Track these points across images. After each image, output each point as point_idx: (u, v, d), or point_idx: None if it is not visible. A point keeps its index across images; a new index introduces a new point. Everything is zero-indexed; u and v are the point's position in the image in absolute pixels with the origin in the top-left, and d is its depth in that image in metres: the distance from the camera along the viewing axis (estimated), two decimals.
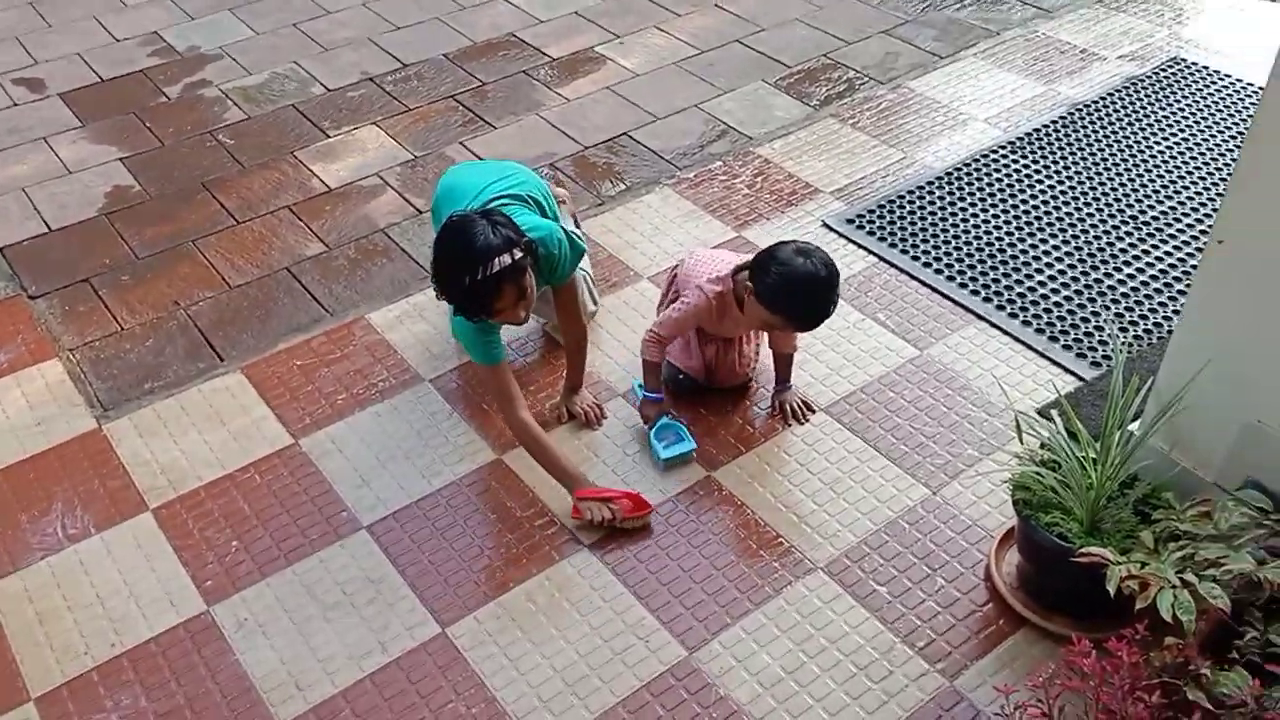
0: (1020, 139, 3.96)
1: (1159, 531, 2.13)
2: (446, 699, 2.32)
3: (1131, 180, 3.76)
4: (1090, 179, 3.77)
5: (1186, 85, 4.25)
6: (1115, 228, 3.55)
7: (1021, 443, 2.36)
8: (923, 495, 2.71)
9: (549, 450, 2.68)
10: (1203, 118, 4.06)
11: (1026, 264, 3.41)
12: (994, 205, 3.66)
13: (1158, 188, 3.72)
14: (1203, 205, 3.64)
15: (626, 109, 4.26)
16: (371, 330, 3.26)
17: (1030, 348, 3.11)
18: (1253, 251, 2.07)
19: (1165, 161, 3.84)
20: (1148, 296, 3.29)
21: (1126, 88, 4.24)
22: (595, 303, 3.18)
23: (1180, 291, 3.29)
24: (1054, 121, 4.05)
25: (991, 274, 3.37)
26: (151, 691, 2.35)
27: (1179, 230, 3.54)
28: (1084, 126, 4.02)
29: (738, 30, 4.76)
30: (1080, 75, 4.33)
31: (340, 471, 2.83)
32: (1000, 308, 3.25)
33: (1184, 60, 4.40)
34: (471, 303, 2.46)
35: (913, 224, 3.57)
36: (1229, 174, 3.67)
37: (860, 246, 3.49)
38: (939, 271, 3.38)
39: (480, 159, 3.94)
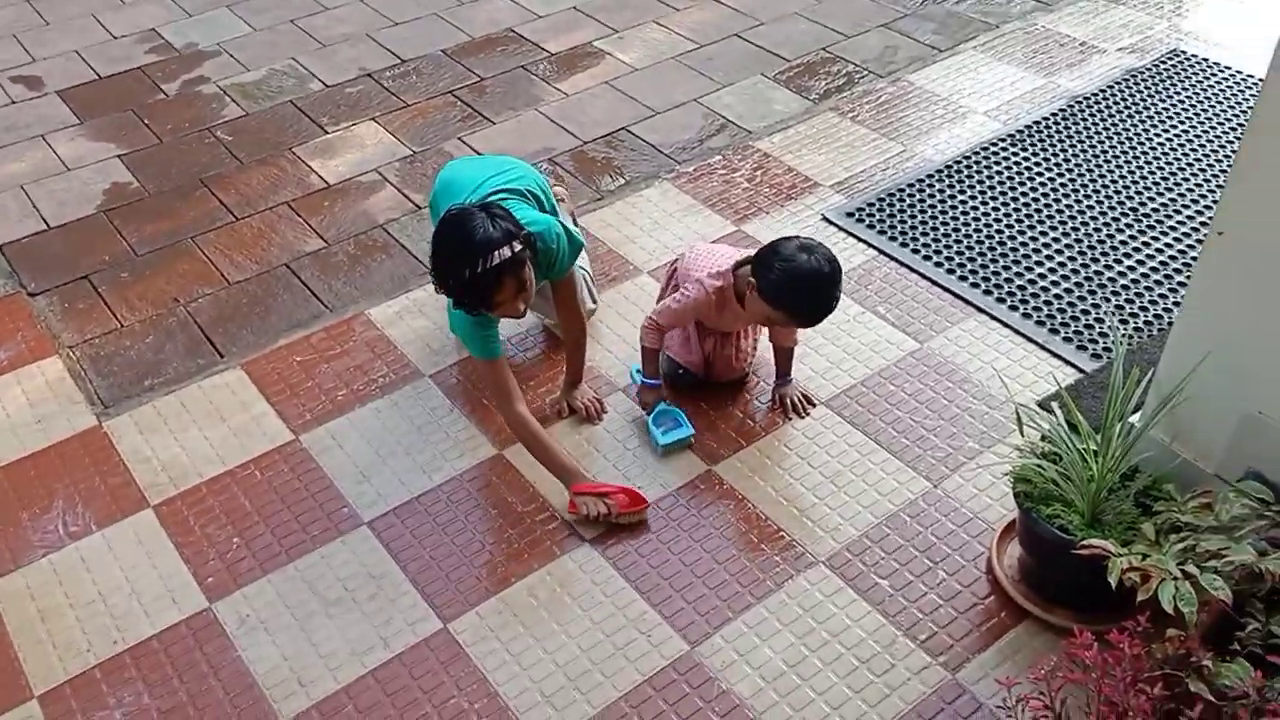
0: (1020, 132, 3.96)
1: (1160, 523, 2.13)
2: (449, 694, 2.32)
3: (1131, 173, 3.76)
4: (1090, 171, 3.77)
5: (1186, 77, 4.24)
6: (1115, 220, 3.55)
7: (1022, 435, 2.36)
8: (924, 488, 2.71)
9: (546, 445, 2.68)
10: (1202, 110, 4.06)
11: (1026, 256, 3.41)
12: (994, 198, 3.65)
13: (1157, 180, 3.72)
14: (1203, 197, 3.63)
15: (625, 103, 4.25)
16: (371, 326, 3.26)
17: (1030, 340, 3.11)
18: (1253, 243, 2.06)
19: (1165, 154, 3.84)
20: (1148, 288, 3.29)
21: (1126, 80, 4.23)
22: (594, 301, 3.17)
23: (1180, 283, 3.29)
24: (1054, 114, 4.04)
25: (991, 266, 3.37)
26: (154, 688, 2.35)
27: (1179, 222, 3.54)
28: (1084, 119, 4.02)
29: (736, 24, 4.75)
30: (1080, 68, 4.33)
31: (341, 467, 2.83)
32: (1000, 300, 3.25)
33: (1184, 52, 4.40)
34: (471, 296, 2.46)
35: (912, 217, 3.57)
36: (1229, 166, 3.67)
37: (860, 240, 3.49)
38: (939, 264, 3.38)
39: (479, 154, 3.94)
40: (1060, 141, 3.91)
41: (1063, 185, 3.70)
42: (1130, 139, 3.91)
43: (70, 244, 3.63)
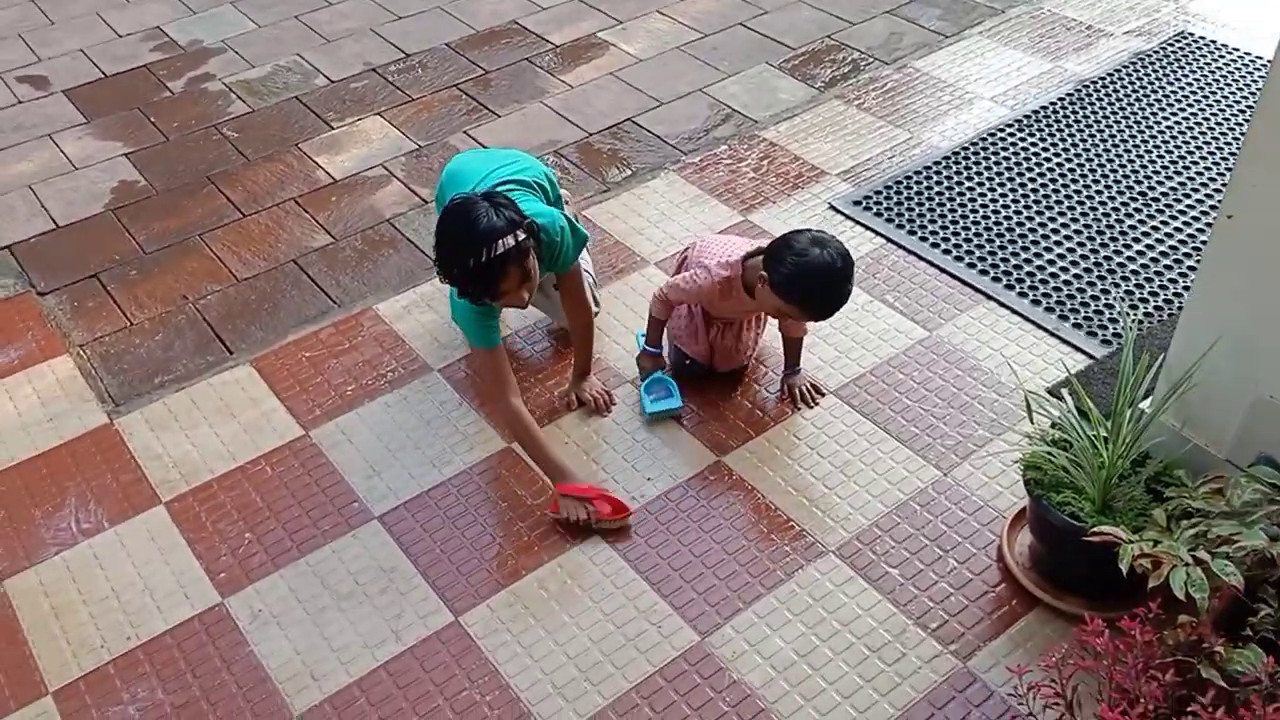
0: (1027, 117, 3.94)
1: (1171, 509, 2.12)
2: (460, 687, 2.33)
3: (1140, 156, 3.74)
4: (1098, 156, 3.75)
5: (1194, 60, 4.22)
6: (1124, 204, 3.54)
7: (1032, 422, 2.35)
8: (934, 477, 2.70)
9: (538, 440, 2.66)
10: (1210, 92, 4.03)
11: (1035, 242, 3.40)
12: (1002, 184, 3.64)
13: (1166, 164, 3.70)
14: (1212, 180, 3.61)
15: (630, 94, 4.24)
16: (379, 321, 3.26)
17: (1040, 326, 3.10)
18: (1262, 226, 2.05)
19: (1173, 137, 3.82)
20: (1157, 273, 3.27)
21: (1134, 63, 4.21)
22: (597, 304, 3.16)
23: (1190, 268, 3.27)
24: (1061, 99, 4.02)
25: (1000, 253, 3.36)
26: (167, 683, 2.36)
27: (1188, 206, 3.52)
28: (1091, 103, 4.00)
29: (741, 13, 4.74)
30: (1087, 51, 4.31)
31: (351, 462, 2.83)
32: (1009, 287, 3.24)
33: (1191, 35, 4.37)
34: (476, 285, 2.46)
35: (920, 205, 3.56)
36: (1238, 148, 3.65)
37: (867, 228, 3.48)
38: (947, 252, 3.37)
39: (485, 147, 3.94)
40: (1068, 126, 3.89)
41: (1071, 170, 3.69)
42: (1138, 123, 3.89)
43: (79, 243, 3.64)
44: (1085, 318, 3.12)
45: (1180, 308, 3.02)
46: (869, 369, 3.00)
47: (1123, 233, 3.42)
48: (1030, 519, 2.45)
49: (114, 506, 2.75)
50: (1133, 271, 3.28)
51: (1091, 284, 3.24)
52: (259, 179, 3.91)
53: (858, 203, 3.58)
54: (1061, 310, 3.15)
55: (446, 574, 2.55)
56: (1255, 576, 1.94)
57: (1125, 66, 4.19)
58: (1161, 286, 3.22)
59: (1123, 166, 3.69)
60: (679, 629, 2.41)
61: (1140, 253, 3.35)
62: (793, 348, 2.94)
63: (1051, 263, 3.32)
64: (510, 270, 2.43)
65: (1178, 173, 3.65)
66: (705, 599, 2.47)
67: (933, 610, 2.42)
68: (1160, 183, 3.62)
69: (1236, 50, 4.25)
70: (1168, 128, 3.86)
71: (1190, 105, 3.97)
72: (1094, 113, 3.95)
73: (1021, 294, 3.21)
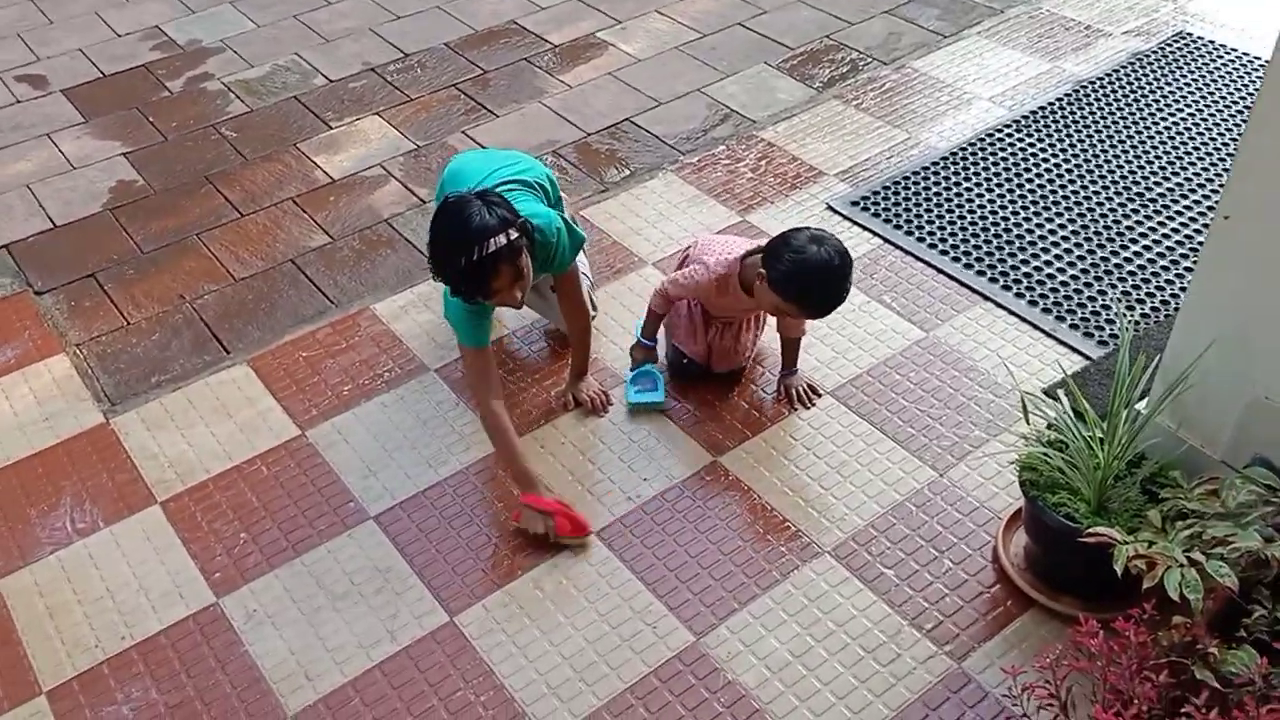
0: (1025, 117, 3.94)
1: (1166, 510, 2.12)
2: (455, 687, 2.33)
3: (1138, 157, 3.73)
4: (1096, 157, 3.75)
5: (1192, 60, 4.21)
6: (1121, 205, 3.53)
7: (1028, 423, 2.35)
8: (929, 478, 2.70)
9: (512, 446, 2.64)
10: (1209, 93, 4.03)
11: (1032, 243, 3.40)
12: (999, 185, 3.64)
13: (1164, 164, 3.70)
14: (1209, 181, 3.61)
15: (629, 94, 4.24)
16: (377, 321, 3.26)
17: (1036, 327, 3.10)
18: (1259, 227, 2.05)
19: (1171, 138, 3.82)
20: (1154, 274, 3.27)
21: (1132, 64, 4.21)
22: (594, 308, 3.16)
23: (1187, 268, 3.27)
24: (1059, 99, 4.02)
25: (997, 254, 3.36)
26: (162, 683, 2.36)
27: (1186, 207, 3.52)
28: (1089, 103, 3.99)
29: (739, 13, 4.73)
30: (1085, 52, 4.30)
31: (347, 462, 2.83)
32: (1006, 288, 3.23)
33: (1189, 35, 4.37)
34: (468, 283, 2.45)
35: (918, 205, 3.56)
36: (1235, 149, 3.65)
37: (865, 229, 3.48)
38: (944, 252, 3.37)
39: (484, 147, 3.94)
40: (1066, 127, 3.88)
41: (1069, 171, 3.69)
42: (1136, 123, 3.89)
43: (76, 242, 3.64)
44: (1082, 319, 3.12)
45: (1177, 309, 3.01)
46: (865, 370, 3.00)
47: (1120, 234, 3.42)
48: (1026, 520, 2.45)
49: (109, 506, 2.75)
50: (1129, 272, 3.28)
51: (1088, 285, 3.24)
52: (257, 179, 3.90)
53: (855, 203, 3.58)
54: (1058, 311, 3.15)
55: (442, 574, 2.55)
56: (1250, 578, 1.94)
57: (1123, 67, 4.19)
58: (1158, 287, 3.22)
59: (1120, 167, 3.69)
60: (674, 629, 2.41)
61: (1138, 253, 3.34)
62: (790, 349, 2.94)
63: (1048, 263, 3.32)
64: (502, 269, 2.43)
65: (1175, 173, 3.65)
66: (701, 599, 2.46)
67: (928, 611, 2.42)
68: (1157, 183, 3.61)
69: (1235, 51, 4.24)
70: (1165, 128, 3.86)
71: (1188, 106, 3.97)
72: (1092, 113, 3.95)
73: (1018, 295, 3.21)
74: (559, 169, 3.83)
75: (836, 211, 3.56)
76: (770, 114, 4.07)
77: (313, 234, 3.63)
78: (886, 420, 2.86)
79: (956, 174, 3.69)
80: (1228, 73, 4.13)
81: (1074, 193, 3.59)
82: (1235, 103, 3.96)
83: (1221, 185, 3.54)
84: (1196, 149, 3.75)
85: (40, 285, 3.47)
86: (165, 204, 3.80)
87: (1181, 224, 3.45)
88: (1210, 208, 3.49)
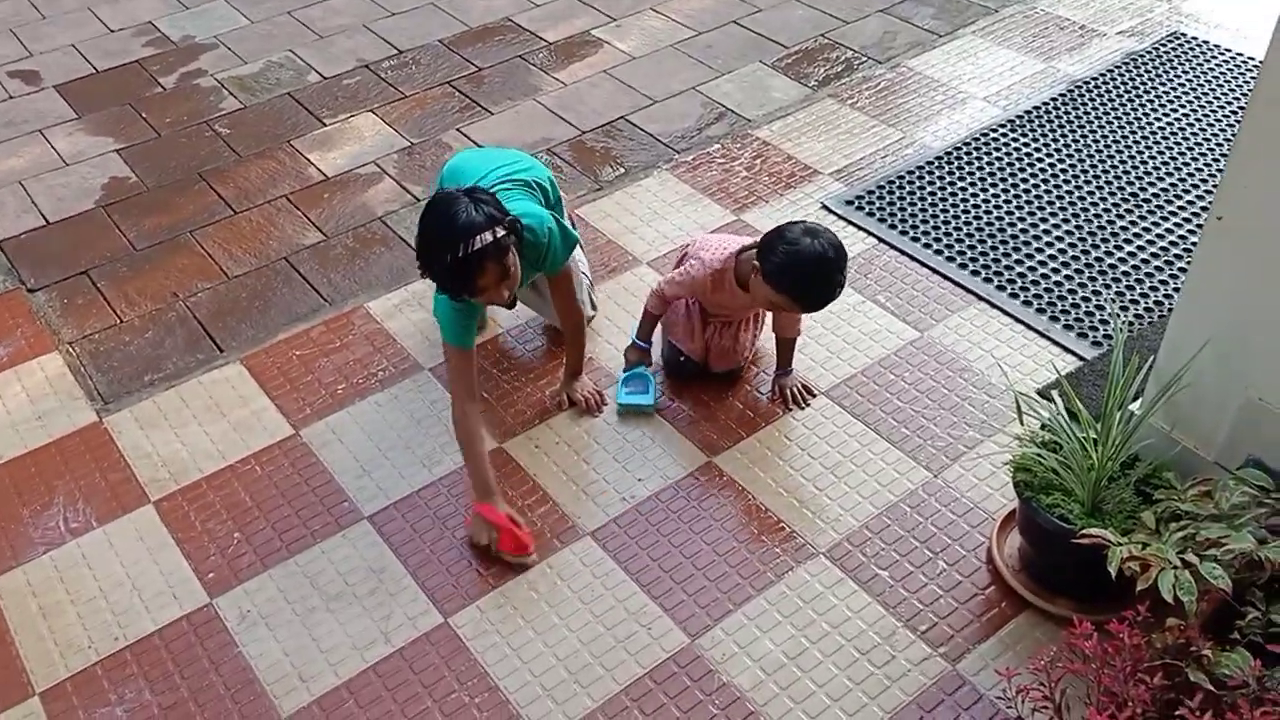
0: (1020, 117, 3.94)
1: (1160, 512, 2.12)
2: (449, 689, 2.32)
3: (1132, 157, 3.74)
4: (1090, 157, 3.75)
5: (1186, 60, 4.22)
6: (1115, 205, 3.54)
7: (1022, 424, 2.35)
8: (924, 478, 2.70)
9: (478, 453, 2.62)
10: (1203, 93, 4.03)
11: (1026, 243, 3.40)
12: (994, 184, 3.64)
13: (1158, 164, 3.70)
14: (1203, 182, 3.62)
15: (624, 92, 4.24)
16: (370, 319, 3.25)
17: (1030, 328, 3.10)
18: (1253, 227, 2.05)
19: (1165, 138, 3.82)
20: (1148, 275, 3.27)
21: (1126, 64, 4.21)
22: (594, 307, 3.15)
23: (1181, 269, 3.27)
24: (1054, 99, 4.02)
25: (991, 254, 3.36)
26: (155, 684, 2.36)
27: (1180, 207, 3.52)
28: (1084, 103, 4.00)
29: (735, 11, 4.73)
30: (1080, 52, 4.31)
31: (341, 461, 2.83)
32: (1000, 288, 3.24)
33: (1184, 35, 4.37)
34: (453, 280, 2.44)
35: (912, 204, 3.56)
36: (1229, 150, 3.65)
37: (859, 228, 3.48)
38: (939, 252, 3.37)
39: (479, 145, 3.93)
40: (1060, 126, 3.89)
41: (1063, 171, 3.69)
42: (1130, 123, 3.89)
43: (69, 239, 3.63)
44: (1076, 319, 3.12)
45: (1170, 309, 3.02)
46: (860, 370, 3.00)
47: (1114, 234, 3.42)
48: (1020, 521, 2.45)
49: (102, 506, 2.75)
50: (1124, 273, 3.28)
51: (1082, 285, 3.24)
52: (250, 176, 3.89)
53: (850, 202, 3.58)
54: (1052, 311, 3.15)
55: (436, 574, 2.55)
56: (1243, 579, 1.94)
57: (1118, 67, 4.19)
58: (1152, 288, 3.23)
59: (1114, 167, 3.69)
60: (669, 631, 2.41)
61: (1132, 254, 3.35)
62: (785, 349, 2.94)
63: (1043, 264, 3.32)
64: (488, 266, 2.41)
65: (1169, 174, 3.66)
66: (695, 600, 2.46)
67: (922, 613, 2.42)
68: (1152, 183, 3.62)
69: (1229, 50, 4.25)
70: (1160, 128, 3.86)
71: (1182, 106, 3.97)
72: (1086, 113, 3.95)
73: (1013, 295, 3.21)
74: (554, 167, 3.82)
75: (831, 210, 3.55)
76: (765, 113, 4.06)
77: (306, 231, 3.62)
78: (881, 421, 2.86)
79: (951, 173, 3.69)
80: (1222, 73, 4.13)
81: (1068, 193, 3.59)
82: (1229, 103, 3.97)
83: (1215, 186, 3.55)
84: (1190, 149, 3.76)
85: (33, 282, 3.46)
86: (158, 201, 3.79)
87: (1175, 224, 3.45)
88: (1204, 208, 3.49)
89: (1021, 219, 3.49)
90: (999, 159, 3.75)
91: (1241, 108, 3.92)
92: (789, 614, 2.43)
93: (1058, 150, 3.78)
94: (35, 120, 4.22)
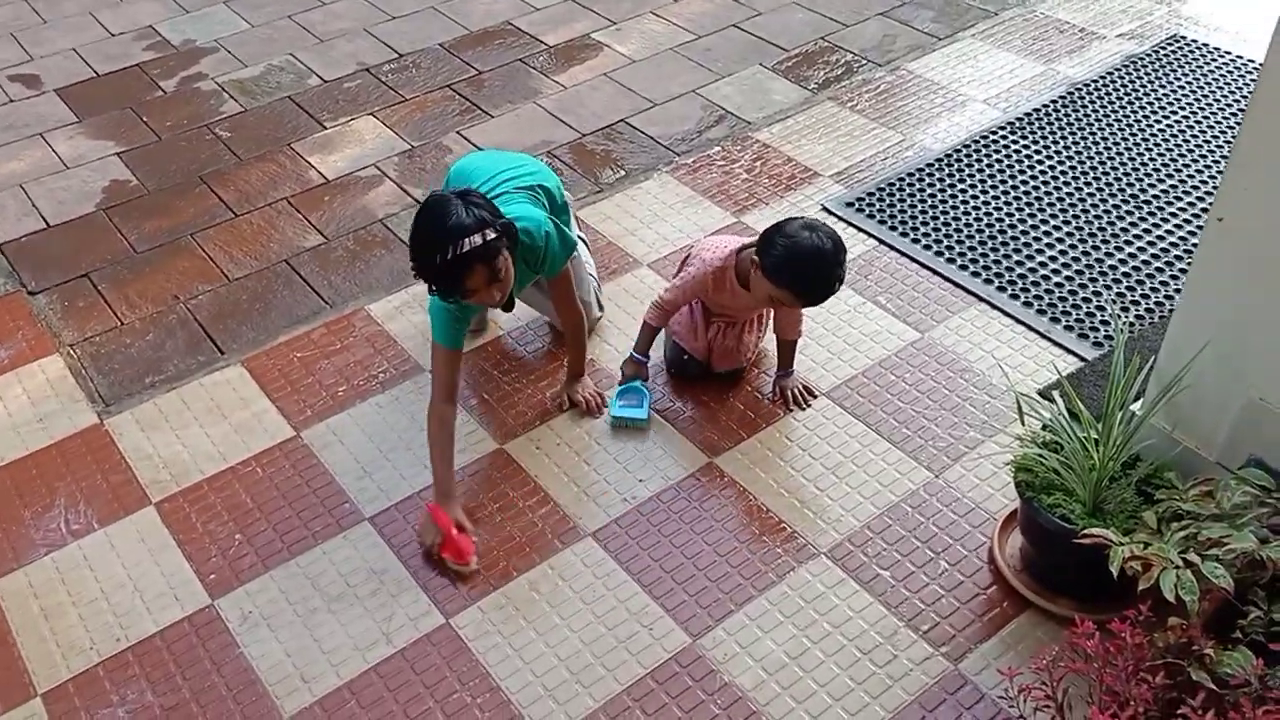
0: (1020, 119, 3.95)
1: (1162, 512, 2.12)
2: (451, 689, 2.32)
3: (1132, 159, 3.74)
4: (1090, 158, 3.75)
5: (1186, 63, 4.22)
6: (1115, 207, 3.54)
7: (1023, 424, 2.35)
8: (925, 479, 2.71)
9: (444, 454, 2.63)
10: (1203, 95, 4.04)
11: (1027, 245, 3.40)
12: (994, 186, 3.64)
13: (1158, 166, 3.70)
14: (1203, 183, 3.62)
15: (624, 95, 4.24)
16: (371, 321, 3.26)
17: (1031, 329, 3.11)
18: (1253, 228, 2.06)
19: (1165, 140, 3.83)
20: (1149, 275, 3.28)
21: (1126, 66, 4.22)
22: (600, 309, 3.16)
23: (1181, 270, 3.28)
24: (1053, 101, 4.03)
25: (992, 255, 3.36)
26: (157, 686, 2.36)
27: (1180, 209, 3.52)
28: (1084, 106, 4.00)
29: (735, 14, 4.74)
30: (1080, 54, 4.31)
31: (342, 463, 2.83)
32: (1001, 289, 3.24)
33: (1183, 37, 4.38)
34: (443, 281, 2.45)
35: (912, 206, 3.56)
36: (1229, 152, 3.66)
37: (860, 230, 3.48)
38: (939, 254, 3.37)
39: (479, 149, 3.93)
40: (1060, 129, 3.89)
41: (1063, 173, 3.69)
42: (1130, 125, 3.90)
43: (70, 242, 3.63)
44: (1077, 320, 3.13)
45: (1171, 310, 3.03)
46: (861, 371, 3.00)
47: (1114, 235, 3.43)
48: (1021, 521, 2.45)
49: (104, 507, 2.74)
50: (1124, 274, 3.28)
51: (1083, 286, 3.24)
52: (251, 179, 3.90)
53: (850, 204, 3.58)
54: (1053, 312, 3.15)
55: (437, 576, 2.55)
56: (1245, 579, 1.94)
57: (1117, 69, 4.20)
58: (1153, 289, 3.23)
59: (1115, 169, 3.70)
60: (670, 631, 2.41)
61: (1132, 255, 3.35)
62: (786, 350, 2.94)
63: (1043, 265, 3.32)
64: (476, 269, 2.42)
65: (1169, 175, 3.66)
66: (697, 601, 2.46)
67: (924, 612, 2.42)
68: (1152, 185, 3.62)
69: (1229, 53, 4.26)
70: (1159, 131, 3.87)
71: (1182, 108, 3.98)
72: (1086, 116, 3.95)
73: (1013, 296, 3.21)
74: (554, 170, 3.81)
75: (831, 213, 3.56)
76: (765, 115, 4.07)
77: (307, 234, 3.63)
78: (882, 421, 2.86)
79: (951, 175, 3.69)
80: (1221, 76, 4.14)
81: (1068, 194, 3.60)
82: (1229, 106, 3.97)
83: (1215, 188, 3.55)
84: (1190, 151, 3.77)
85: (34, 285, 3.46)
86: (159, 204, 3.79)
87: (1175, 226, 3.46)
88: (1204, 210, 3.50)
89: (1022, 220, 3.50)
90: (999, 161, 3.75)
91: (1241, 110, 3.93)
92: (790, 614, 2.43)
93: (1058, 152, 3.78)
94: (36, 124, 4.23)
